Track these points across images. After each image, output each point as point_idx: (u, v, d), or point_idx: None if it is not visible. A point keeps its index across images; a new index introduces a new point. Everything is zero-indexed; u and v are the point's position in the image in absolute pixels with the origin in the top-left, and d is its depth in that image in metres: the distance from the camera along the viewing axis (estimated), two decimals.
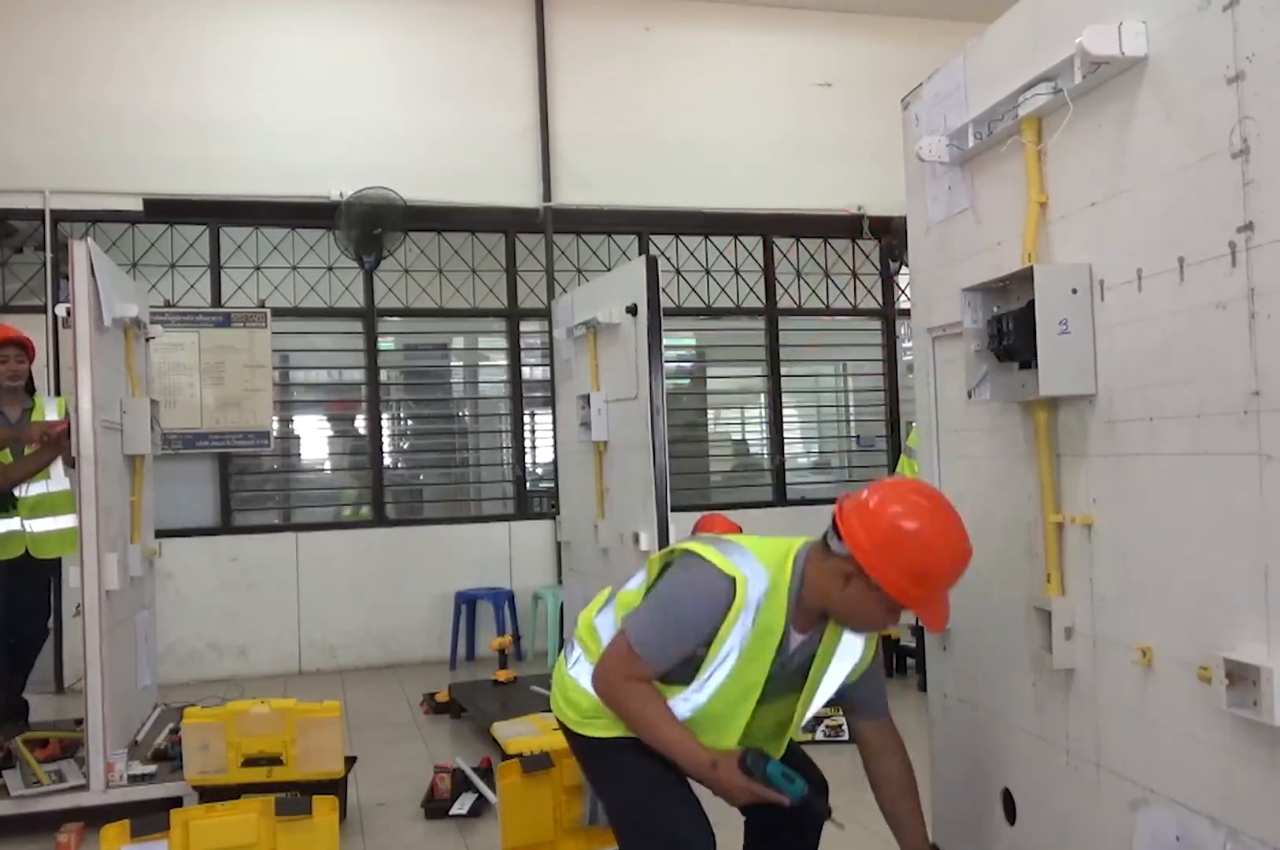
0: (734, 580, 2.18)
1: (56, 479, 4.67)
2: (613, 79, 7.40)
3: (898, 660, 6.12)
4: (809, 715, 2.41)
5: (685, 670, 2.26)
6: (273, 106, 6.85)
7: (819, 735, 4.76)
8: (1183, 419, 1.86)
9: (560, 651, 2.54)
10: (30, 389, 4.80)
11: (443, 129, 7.09)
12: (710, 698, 2.27)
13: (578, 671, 2.43)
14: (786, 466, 7.76)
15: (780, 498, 7.54)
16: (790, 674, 2.31)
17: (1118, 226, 2.02)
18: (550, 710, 2.55)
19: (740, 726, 2.31)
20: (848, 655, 2.35)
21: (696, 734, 2.27)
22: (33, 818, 3.83)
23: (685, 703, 2.29)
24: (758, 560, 2.23)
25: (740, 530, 4.83)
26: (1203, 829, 1.84)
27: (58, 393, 6.16)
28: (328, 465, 7.49)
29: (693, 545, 2.31)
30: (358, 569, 6.86)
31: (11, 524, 4.57)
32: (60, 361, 6.25)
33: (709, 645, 2.21)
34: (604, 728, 2.36)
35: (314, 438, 7.40)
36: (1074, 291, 2.10)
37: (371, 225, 6.80)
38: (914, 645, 5.88)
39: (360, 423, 7.26)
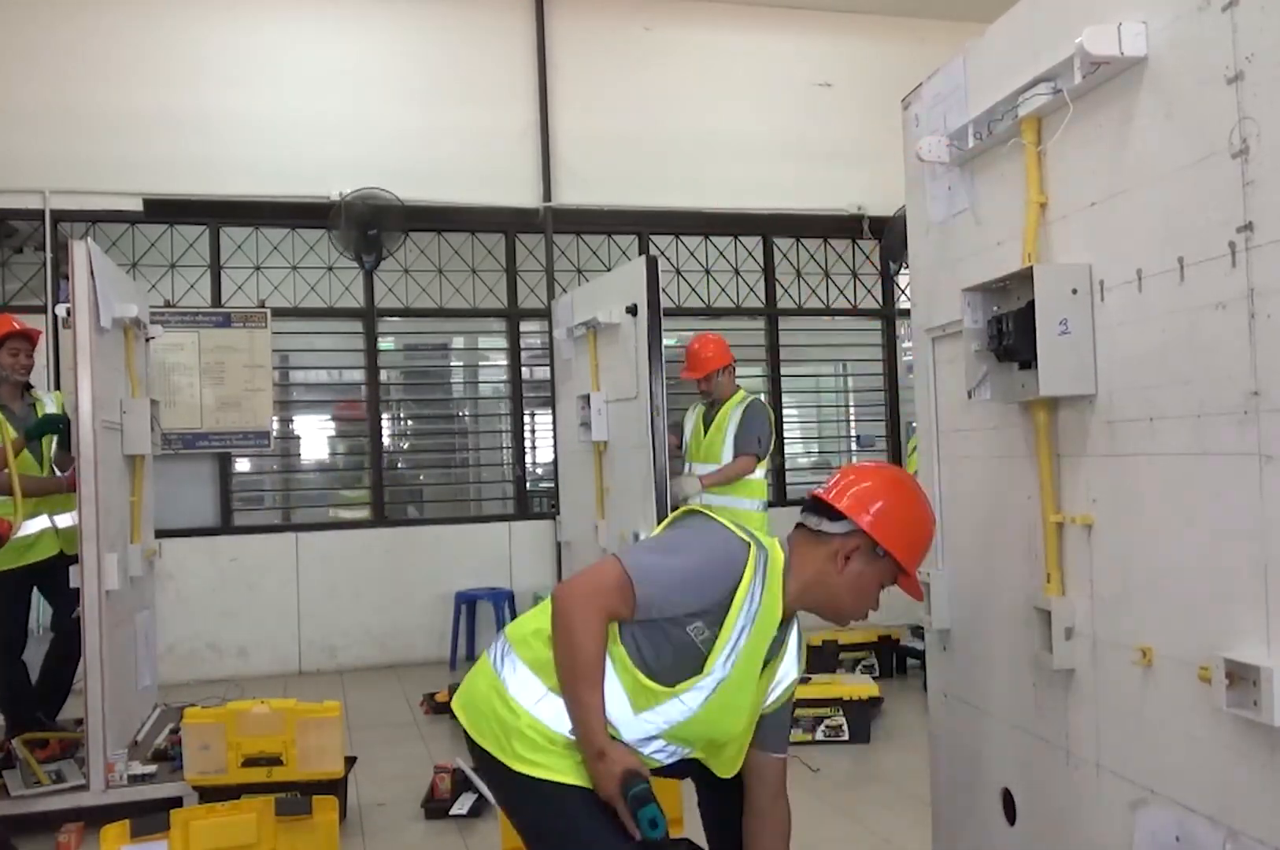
0: (748, 545, 2.15)
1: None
2: (613, 79, 7.41)
3: (898, 660, 6.12)
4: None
5: (679, 659, 2.10)
6: (273, 106, 6.85)
7: (819, 735, 4.76)
8: (1182, 419, 1.87)
9: (487, 663, 2.24)
10: (28, 384, 4.79)
11: (443, 129, 7.09)
12: (723, 684, 2.12)
13: (540, 709, 2.11)
14: (786, 467, 7.76)
15: (780, 498, 7.54)
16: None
17: (1118, 227, 2.02)
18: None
19: (741, 726, 2.19)
20: (790, 664, 2.31)
21: (691, 733, 2.16)
22: (33, 818, 3.84)
23: (692, 695, 2.11)
24: (759, 537, 2.21)
25: None
26: (1203, 829, 1.84)
27: (57, 388, 6.16)
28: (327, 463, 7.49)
29: (697, 508, 2.28)
30: (358, 569, 6.86)
31: (41, 522, 4.56)
32: (60, 361, 6.25)
33: (718, 627, 2.08)
34: (564, 770, 2.08)
35: (314, 438, 7.40)
36: (1074, 292, 2.10)
37: (368, 226, 6.80)
38: (916, 645, 5.89)
39: (359, 423, 7.26)
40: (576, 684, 2.07)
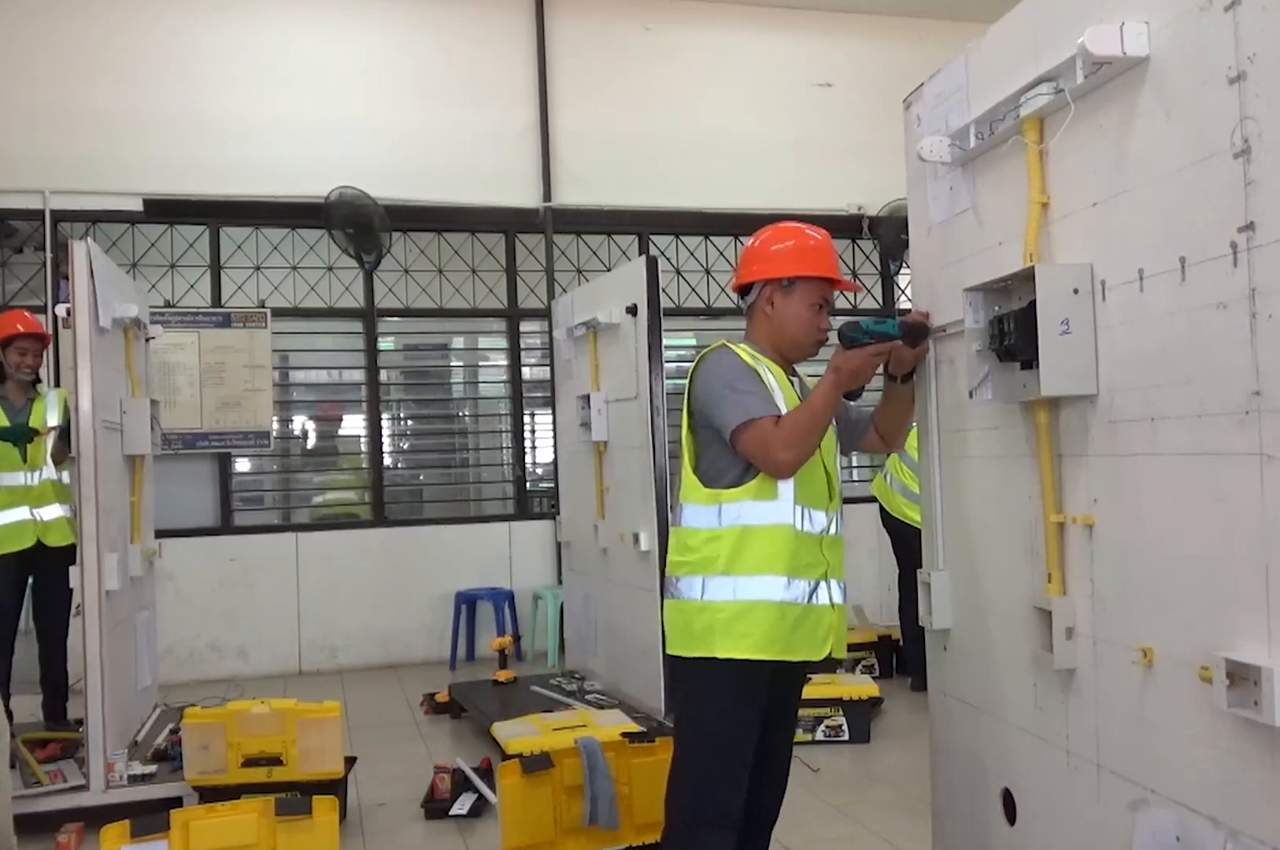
0: (725, 347, 2.60)
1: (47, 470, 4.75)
2: (613, 79, 7.41)
3: (898, 661, 6.12)
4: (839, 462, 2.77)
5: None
6: (272, 106, 6.85)
7: (819, 735, 4.76)
8: (1183, 419, 1.87)
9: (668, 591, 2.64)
10: (36, 379, 4.89)
11: (443, 129, 7.09)
12: None
13: (709, 592, 2.50)
14: None
15: None
16: None
17: (1119, 226, 2.02)
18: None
19: (823, 472, 2.59)
20: None
21: (807, 498, 2.53)
22: (33, 818, 3.83)
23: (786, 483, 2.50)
24: (721, 343, 2.65)
25: None
26: (1203, 829, 1.84)
27: (57, 386, 6.17)
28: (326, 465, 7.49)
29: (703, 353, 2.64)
30: (358, 569, 6.86)
31: (20, 513, 4.60)
32: (60, 361, 6.25)
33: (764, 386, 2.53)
34: (737, 640, 2.45)
35: (314, 438, 7.40)
36: (1075, 292, 2.10)
37: (348, 225, 6.78)
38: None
39: (359, 423, 7.26)
40: (812, 415, 2.48)
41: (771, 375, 2.56)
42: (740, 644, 2.45)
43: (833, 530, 2.61)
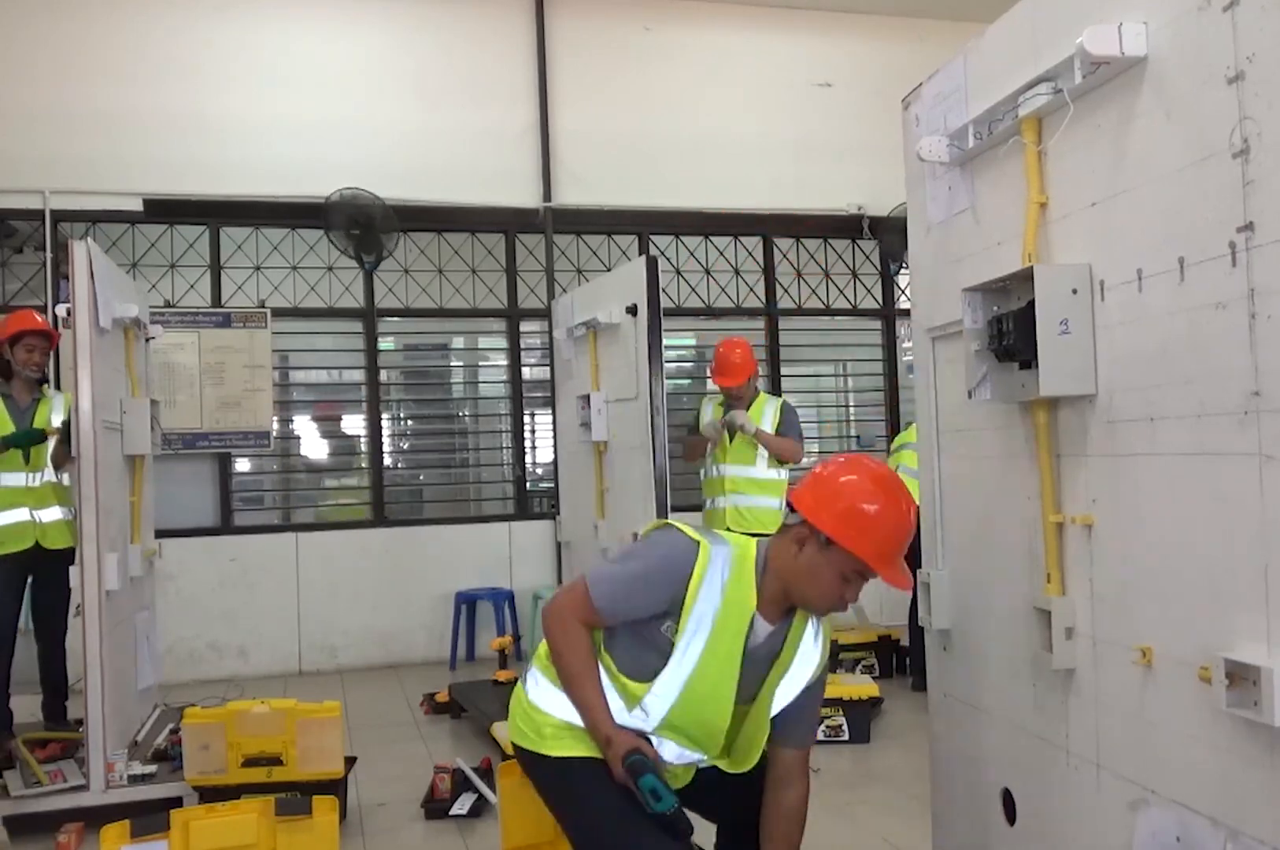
0: (698, 544, 2.25)
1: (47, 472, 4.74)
2: (613, 79, 7.41)
3: (898, 660, 6.12)
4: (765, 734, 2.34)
5: (652, 656, 2.23)
6: (272, 106, 6.84)
7: (819, 735, 4.76)
8: (1183, 419, 1.87)
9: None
10: (43, 379, 4.88)
11: (443, 129, 7.09)
12: (692, 672, 2.23)
13: (538, 694, 2.38)
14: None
15: None
16: (756, 666, 2.29)
17: (1118, 227, 2.02)
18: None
19: (725, 716, 2.28)
20: (805, 663, 2.35)
21: (682, 724, 2.27)
22: (33, 818, 3.84)
23: (665, 685, 2.24)
24: (725, 538, 2.34)
25: None
26: (1203, 829, 1.84)
27: (57, 387, 6.17)
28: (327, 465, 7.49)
29: (667, 522, 2.38)
30: (358, 569, 6.86)
31: (19, 514, 4.61)
32: (60, 361, 6.25)
33: (679, 617, 2.21)
34: (569, 746, 2.28)
35: (314, 438, 7.40)
36: (1074, 292, 2.10)
37: (353, 226, 6.79)
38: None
39: (359, 423, 7.26)
40: (572, 686, 2.30)
41: (711, 615, 2.21)
42: (576, 746, 2.28)
43: (696, 764, 2.39)
